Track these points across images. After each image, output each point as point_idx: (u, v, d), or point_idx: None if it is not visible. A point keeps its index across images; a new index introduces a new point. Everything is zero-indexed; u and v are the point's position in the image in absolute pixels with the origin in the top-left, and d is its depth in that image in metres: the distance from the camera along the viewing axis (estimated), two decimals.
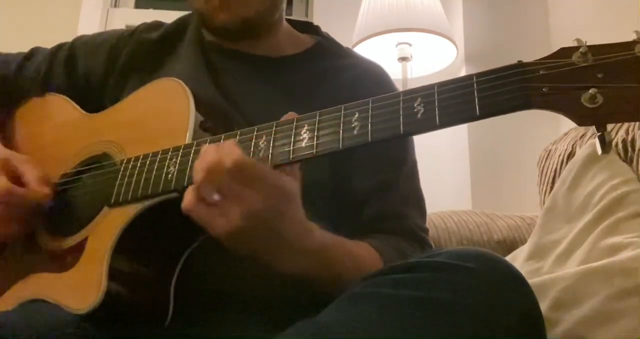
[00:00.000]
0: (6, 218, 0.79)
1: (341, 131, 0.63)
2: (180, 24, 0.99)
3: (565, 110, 0.55)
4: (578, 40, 0.57)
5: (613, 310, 0.79)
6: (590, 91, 0.54)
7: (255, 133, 0.68)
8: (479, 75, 0.59)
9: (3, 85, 0.99)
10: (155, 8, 2.60)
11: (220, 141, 0.69)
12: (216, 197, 0.63)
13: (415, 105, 0.60)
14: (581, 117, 0.55)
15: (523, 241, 1.41)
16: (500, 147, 2.15)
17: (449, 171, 2.26)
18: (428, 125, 0.59)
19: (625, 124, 1.26)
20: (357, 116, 0.63)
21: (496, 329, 0.56)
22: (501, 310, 0.57)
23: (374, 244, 0.81)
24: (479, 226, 1.54)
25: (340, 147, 0.63)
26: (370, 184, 0.87)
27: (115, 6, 2.66)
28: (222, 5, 0.87)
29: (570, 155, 1.37)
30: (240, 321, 0.75)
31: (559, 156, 1.42)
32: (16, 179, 0.81)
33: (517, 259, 1.19)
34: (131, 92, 0.87)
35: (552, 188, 1.35)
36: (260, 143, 0.66)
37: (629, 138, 1.22)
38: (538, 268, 1.10)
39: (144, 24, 1.01)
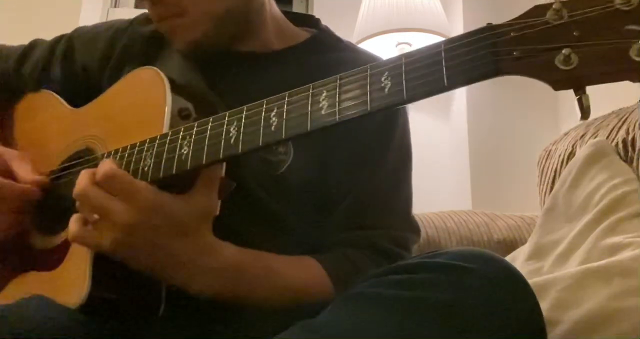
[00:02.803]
0: (1, 211, 0.80)
1: (309, 112, 0.61)
2: None
3: (538, 74, 0.51)
4: None
5: (613, 310, 0.79)
6: (563, 51, 0.50)
7: (226, 119, 0.66)
8: (447, 42, 0.56)
9: (4, 80, 0.98)
10: None
11: (193, 128, 0.68)
12: (95, 216, 0.65)
13: (383, 79, 0.57)
14: (556, 82, 0.51)
15: (523, 241, 1.41)
16: (500, 147, 2.15)
17: (448, 171, 2.26)
18: (396, 100, 0.56)
19: (626, 124, 1.26)
20: (324, 94, 0.61)
21: (497, 330, 0.56)
22: (502, 311, 0.57)
23: (323, 261, 0.77)
24: (479, 226, 1.53)
25: (309, 128, 0.60)
26: (341, 190, 0.83)
27: (115, 6, 2.66)
28: (168, 33, 0.86)
29: (570, 155, 1.37)
30: (239, 321, 0.74)
31: (559, 156, 1.41)
32: (7, 174, 0.81)
33: (517, 259, 1.19)
34: None
35: (552, 188, 1.35)
36: (232, 129, 0.65)
37: (629, 138, 1.22)
38: (538, 268, 1.10)
39: (142, 15, 0.98)
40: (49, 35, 1.04)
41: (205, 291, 0.69)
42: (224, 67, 0.90)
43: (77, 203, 0.67)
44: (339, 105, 0.59)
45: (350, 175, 0.84)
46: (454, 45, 0.55)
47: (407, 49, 2.15)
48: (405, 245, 0.84)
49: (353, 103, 0.59)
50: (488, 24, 0.54)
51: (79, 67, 0.96)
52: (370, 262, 0.78)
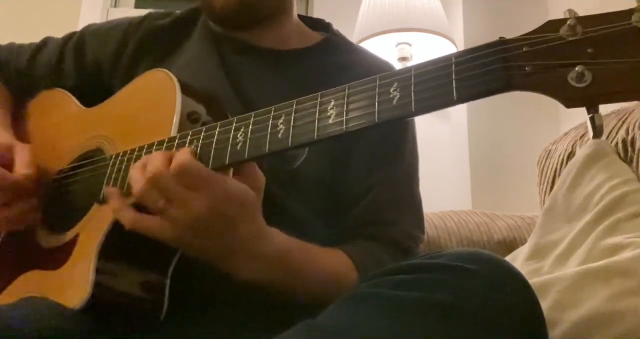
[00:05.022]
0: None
1: (317, 120, 0.61)
2: (192, 12, 0.99)
3: (550, 91, 0.50)
4: (569, 11, 0.51)
5: (613, 310, 0.79)
6: (577, 68, 0.49)
7: (234, 125, 0.66)
8: (458, 55, 0.55)
9: (16, 77, 0.99)
10: (155, 8, 2.60)
11: (201, 133, 0.68)
12: (161, 203, 0.64)
13: (391, 90, 0.57)
14: (568, 99, 0.50)
15: (523, 241, 1.41)
16: (500, 147, 2.15)
17: (448, 171, 2.26)
18: (403, 112, 0.56)
19: (625, 124, 1.25)
20: (332, 103, 0.60)
21: (498, 331, 0.56)
22: (503, 312, 0.57)
23: (350, 252, 0.79)
24: (479, 226, 1.53)
25: (315, 137, 0.60)
26: (362, 186, 0.86)
27: (115, 6, 2.66)
28: None
29: (570, 155, 1.37)
30: (239, 321, 0.75)
31: (559, 156, 1.41)
32: (9, 166, 0.82)
33: (517, 259, 1.19)
34: None
35: (552, 188, 1.35)
36: (239, 135, 0.65)
37: (629, 138, 1.21)
38: (538, 268, 1.10)
39: (155, 12, 1.00)
40: (48, 34, 1.04)
41: (254, 277, 0.69)
42: (243, 60, 0.92)
43: (142, 188, 0.65)
44: (346, 115, 0.59)
45: (370, 174, 0.86)
46: (464, 59, 0.54)
47: (407, 49, 2.15)
48: (417, 243, 0.87)
49: (360, 113, 0.58)
50: (500, 37, 0.53)
51: (91, 62, 0.97)
52: (388, 256, 0.81)
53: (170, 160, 0.65)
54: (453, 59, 0.55)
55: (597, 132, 0.50)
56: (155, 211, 0.65)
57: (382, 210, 0.86)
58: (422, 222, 0.90)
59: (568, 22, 0.50)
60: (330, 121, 0.60)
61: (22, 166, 0.81)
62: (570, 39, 0.50)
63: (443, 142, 2.30)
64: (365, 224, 0.84)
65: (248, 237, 0.68)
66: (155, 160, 0.65)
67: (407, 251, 0.84)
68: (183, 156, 0.65)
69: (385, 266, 0.66)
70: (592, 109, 0.50)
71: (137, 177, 0.66)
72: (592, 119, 0.50)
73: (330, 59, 0.94)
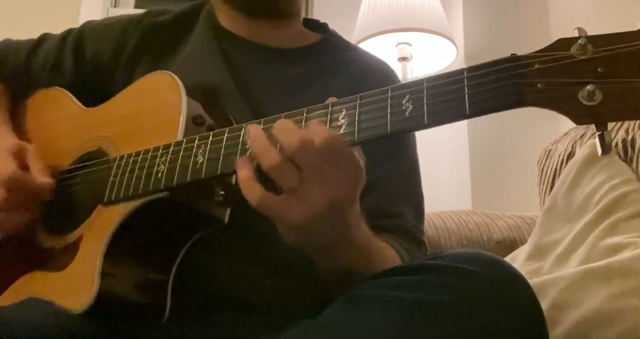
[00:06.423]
0: (12, 206, 0.79)
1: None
2: (193, 9, 0.99)
3: (562, 108, 0.51)
4: (579, 29, 0.52)
5: (613, 310, 0.79)
6: (588, 87, 0.50)
7: (242, 131, 0.66)
8: (470, 70, 0.56)
9: (15, 74, 0.98)
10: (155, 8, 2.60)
11: (208, 138, 0.68)
12: (296, 181, 0.58)
13: (404, 102, 0.57)
14: (579, 116, 0.51)
15: (523, 241, 1.41)
16: (500, 147, 2.15)
17: (448, 171, 2.26)
18: (416, 124, 0.56)
19: (626, 124, 1.26)
20: (344, 113, 0.60)
21: (498, 332, 0.56)
22: (503, 313, 0.57)
23: (388, 242, 0.79)
24: (479, 226, 1.54)
25: None
26: (367, 181, 0.86)
27: (115, 6, 2.66)
28: None
29: (570, 155, 1.37)
30: (239, 321, 0.75)
31: (559, 156, 1.41)
32: (24, 168, 0.81)
33: (517, 259, 1.19)
34: (141, 77, 0.85)
35: (552, 188, 1.35)
36: (248, 141, 0.64)
37: (629, 138, 1.22)
38: (538, 268, 1.10)
39: (154, 9, 1.00)
40: None
41: (342, 264, 0.68)
42: (245, 56, 0.92)
43: (278, 163, 0.58)
44: (358, 125, 0.59)
45: (374, 169, 0.84)
46: (476, 74, 0.55)
47: (407, 49, 2.15)
48: (422, 234, 0.88)
49: (373, 124, 0.58)
50: (512, 54, 0.55)
51: (90, 60, 0.96)
52: (409, 246, 0.82)
53: (310, 132, 0.58)
54: (465, 73, 0.56)
55: (606, 148, 0.51)
56: (284, 189, 0.59)
57: (391, 203, 0.86)
58: (424, 217, 0.91)
59: (579, 41, 0.52)
60: (342, 131, 0.60)
61: (40, 171, 0.80)
62: (581, 57, 0.52)
63: (443, 142, 2.30)
64: (376, 217, 0.83)
65: (354, 222, 0.64)
66: (294, 133, 0.58)
67: (419, 241, 0.85)
68: (326, 130, 0.58)
69: (412, 256, 0.65)
70: (602, 127, 0.51)
71: (264, 151, 0.59)
72: (601, 136, 0.51)
73: (330, 57, 0.95)
